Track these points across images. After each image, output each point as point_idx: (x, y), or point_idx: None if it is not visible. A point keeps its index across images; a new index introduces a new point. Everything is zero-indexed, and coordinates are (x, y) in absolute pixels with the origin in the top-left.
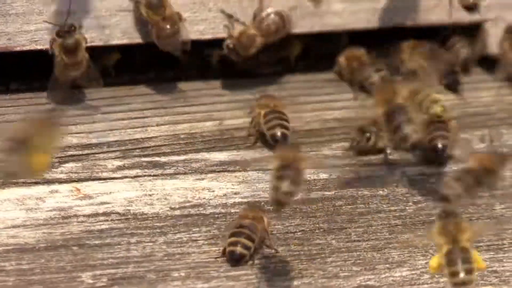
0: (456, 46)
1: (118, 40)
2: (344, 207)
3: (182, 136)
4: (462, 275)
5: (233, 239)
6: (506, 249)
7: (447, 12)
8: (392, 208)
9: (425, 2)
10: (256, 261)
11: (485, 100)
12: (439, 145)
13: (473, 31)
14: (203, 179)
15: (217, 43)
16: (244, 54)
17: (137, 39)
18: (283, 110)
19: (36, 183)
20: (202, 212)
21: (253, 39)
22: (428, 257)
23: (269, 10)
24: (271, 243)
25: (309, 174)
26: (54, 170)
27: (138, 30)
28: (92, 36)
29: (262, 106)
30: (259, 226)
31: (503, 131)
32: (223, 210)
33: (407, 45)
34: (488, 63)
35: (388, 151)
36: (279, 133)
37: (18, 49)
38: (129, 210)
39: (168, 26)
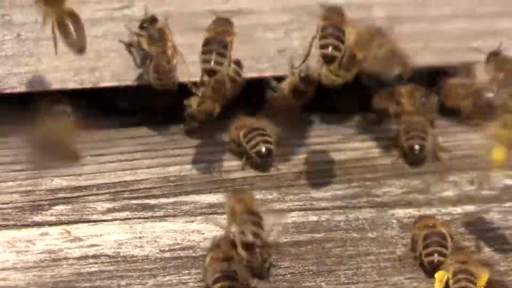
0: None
1: (107, 82)
2: (333, 249)
3: (171, 178)
4: None
5: None
6: None
7: (434, 54)
8: (382, 250)
9: (414, 45)
10: None
11: (474, 143)
12: (416, 146)
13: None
14: (192, 221)
15: None
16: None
17: (126, 81)
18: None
19: (26, 225)
20: (192, 254)
21: (210, 108)
22: None
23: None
24: None
25: (298, 216)
26: (44, 212)
27: (128, 72)
28: (82, 78)
29: (240, 126)
30: None
31: (492, 174)
32: None
33: (405, 90)
34: None
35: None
36: (263, 149)
37: (8, 91)
38: (119, 252)
39: (167, 60)
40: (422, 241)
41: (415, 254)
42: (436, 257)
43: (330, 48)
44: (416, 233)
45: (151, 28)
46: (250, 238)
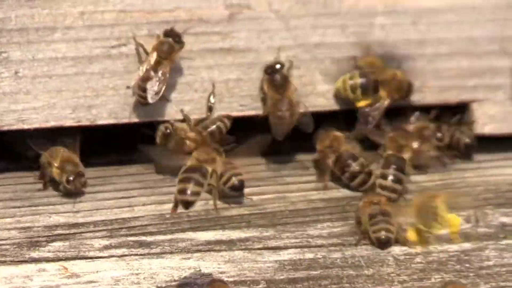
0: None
1: (104, 120)
2: (330, 286)
3: (168, 215)
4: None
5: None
6: None
7: (432, 93)
8: (378, 287)
9: None
10: None
11: (470, 181)
12: (383, 237)
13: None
14: (189, 258)
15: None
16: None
17: (123, 119)
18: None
19: (24, 261)
20: None
21: (183, 143)
22: None
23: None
24: None
25: (294, 253)
26: (42, 249)
27: (125, 110)
28: (79, 115)
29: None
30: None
31: (488, 211)
32: None
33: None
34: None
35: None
36: (236, 182)
37: (5, 128)
38: None
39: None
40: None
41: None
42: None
43: None
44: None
45: None
46: None
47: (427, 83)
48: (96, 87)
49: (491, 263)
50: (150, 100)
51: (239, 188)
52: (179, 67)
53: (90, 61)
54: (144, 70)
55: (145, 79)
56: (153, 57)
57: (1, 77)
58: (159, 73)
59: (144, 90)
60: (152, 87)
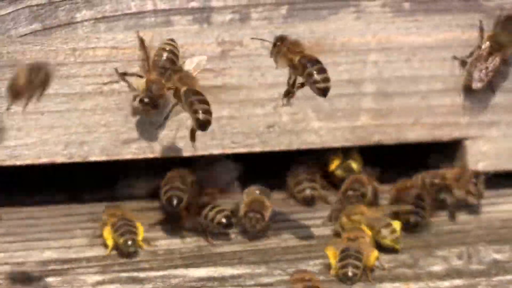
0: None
1: (96, 156)
2: None
3: (160, 252)
4: None
5: None
6: None
7: (425, 130)
8: None
9: (404, 120)
10: None
11: (462, 218)
12: (349, 273)
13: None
14: None
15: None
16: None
17: (115, 155)
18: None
19: None
20: None
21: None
22: None
23: None
24: None
25: None
26: (35, 284)
27: (116, 147)
28: (71, 152)
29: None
30: None
31: (480, 248)
32: None
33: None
34: None
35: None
36: (224, 219)
37: None
38: None
39: None
40: None
41: None
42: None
43: None
44: None
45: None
46: None
47: (420, 120)
48: (88, 124)
49: None
50: None
51: (227, 226)
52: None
53: (82, 98)
54: None
55: None
56: None
57: None
58: None
59: None
60: None
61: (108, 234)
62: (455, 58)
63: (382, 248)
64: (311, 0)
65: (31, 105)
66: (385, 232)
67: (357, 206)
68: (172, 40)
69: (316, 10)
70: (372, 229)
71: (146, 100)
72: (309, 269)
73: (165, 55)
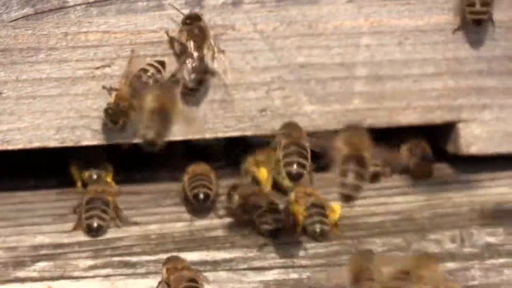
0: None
1: (88, 141)
2: None
3: (152, 236)
4: None
5: None
6: None
7: (417, 113)
8: None
9: (396, 103)
10: None
11: (456, 201)
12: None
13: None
14: None
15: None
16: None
17: (107, 140)
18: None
19: (10, 281)
20: None
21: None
22: None
23: None
24: None
25: (279, 274)
26: (27, 268)
27: (109, 131)
28: (63, 136)
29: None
30: None
31: (474, 231)
32: None
33: None
34: (458, 163)
35: None
36: (201, 195)
37: None
38: None
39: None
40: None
41: None
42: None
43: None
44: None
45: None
46: None
47: (412, 103)
48: (79, 108)
49: (476, 282)
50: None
51: (202, 201)
52: None
53: (73, 82)
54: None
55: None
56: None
57: None
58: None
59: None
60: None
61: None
62: None
63: (377, 233)
64: None
65: (23, 90)
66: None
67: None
68: (159, 62)
69: None
70: None
71: (109, 111)
72: (302, 253)
73: (144, 77)
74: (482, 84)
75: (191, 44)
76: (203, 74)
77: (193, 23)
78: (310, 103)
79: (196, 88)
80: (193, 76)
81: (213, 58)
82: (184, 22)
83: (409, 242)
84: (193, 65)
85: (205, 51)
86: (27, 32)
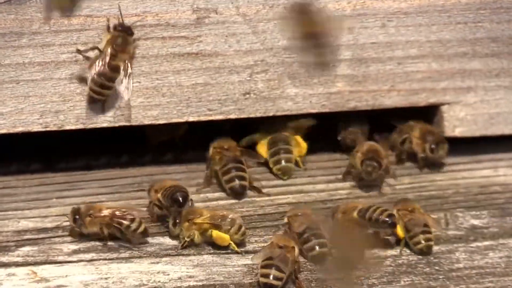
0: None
1: (72, 125)
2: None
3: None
4: None
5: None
6: None
7: (401, 96)
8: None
9: (380, 86)
10: None
11: (441, 184)
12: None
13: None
14: (158, 262)
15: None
16: None
17: (91, 124)
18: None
19: None
20: None
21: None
22: None
23: None
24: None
25: None
26: (11, 253)
27: (92, 115)
28: (46, 121)
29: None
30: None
31: (459, 214)
32: None
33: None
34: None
35: None
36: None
37: None
38: None
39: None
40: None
41: None
42: None
43: None
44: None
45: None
46: None
47: (396, 86)
48: (63, 93)
49: (461, 265)
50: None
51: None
52: (147, 71)
53: (57, 66)
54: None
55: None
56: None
57: None
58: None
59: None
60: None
61: None
62: None
63: None
64: None
65: (6, 74)
66: None
67: None
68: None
69: None
70: None
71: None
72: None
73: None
74: (466, 66)
75: (108, 50)
76: (108, 81)
77: (121, 33)
78: (294, 86)
79: (98, 91)
80: (96, 77)
81: (126, 74)
82: (115, 28)
83: None
84: (101, 69)
85: (120, 63)
86: (9, 17)
